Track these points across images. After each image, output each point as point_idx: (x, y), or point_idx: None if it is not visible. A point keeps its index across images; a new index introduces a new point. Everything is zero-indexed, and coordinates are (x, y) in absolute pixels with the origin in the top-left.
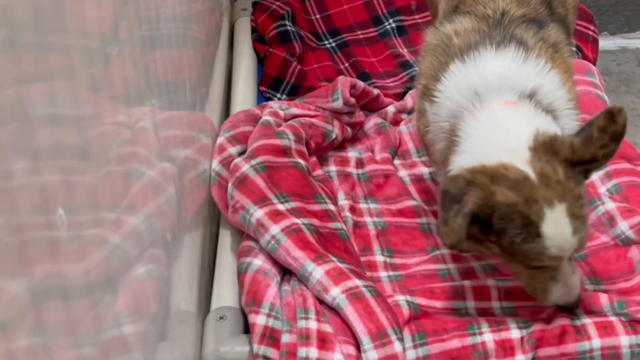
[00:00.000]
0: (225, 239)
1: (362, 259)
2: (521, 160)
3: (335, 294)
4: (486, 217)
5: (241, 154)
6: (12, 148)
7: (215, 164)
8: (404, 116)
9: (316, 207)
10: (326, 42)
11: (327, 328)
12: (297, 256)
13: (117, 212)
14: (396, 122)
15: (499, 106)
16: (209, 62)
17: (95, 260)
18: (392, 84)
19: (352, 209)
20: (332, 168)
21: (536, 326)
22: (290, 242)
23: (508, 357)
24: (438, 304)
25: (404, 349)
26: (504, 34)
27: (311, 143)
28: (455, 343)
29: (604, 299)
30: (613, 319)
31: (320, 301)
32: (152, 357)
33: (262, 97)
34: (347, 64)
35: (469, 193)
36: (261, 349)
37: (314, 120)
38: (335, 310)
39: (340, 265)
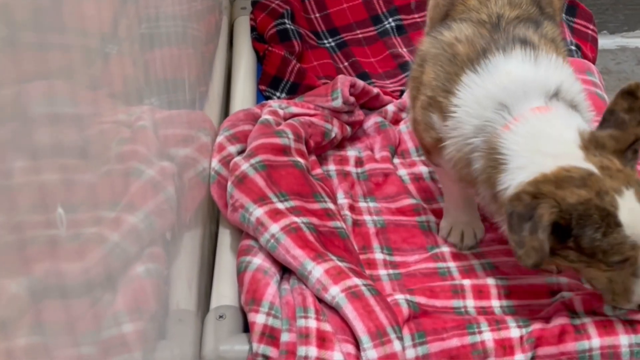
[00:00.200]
0: (225, 237)
1: (362, 257)
2: (578, 160)
3: (335, 292)
4: (565, 223)
5: (240, 152)
6: (11, 147)
7: (215, 163)
8: (403, 115)
9: (316, 206)
10: (325, 41)
11: (327, 327)
12: (296, 255)
13: (116, 210)
14: (396, 121)
15: (532, 114)
16: (209, 61)
17: (94, 259)
18: (391, 85)
19: (352, 208)
20: (332, 167)
21: (536, 325)
22: (290, 241)
23: (507, 356)
24: (438, 302)
25: (404, 348)
26: (506, 37)
27: (310, 142)
28: (454, 342)
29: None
30: (613, 318)
31: (320, 300)
32: (152, 356)
33: (262, 96)
34: (346, 64)
35: (540, 206)
36: (260, 348)
37: (313, 119)
38: (334, 309)
39: (339, 264)
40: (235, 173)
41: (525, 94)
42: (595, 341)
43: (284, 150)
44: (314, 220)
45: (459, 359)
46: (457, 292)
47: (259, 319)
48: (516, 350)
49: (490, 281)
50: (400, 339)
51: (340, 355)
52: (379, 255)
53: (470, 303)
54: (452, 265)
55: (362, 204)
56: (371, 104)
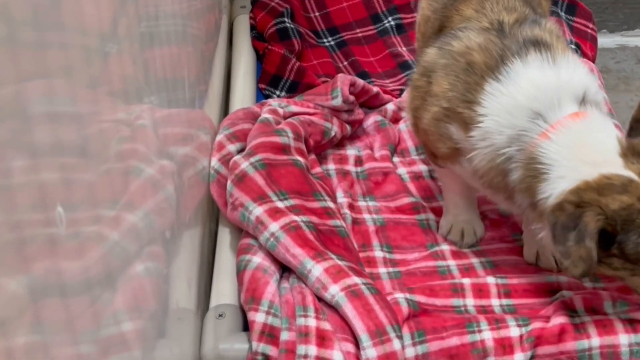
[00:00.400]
0: (225, 236)
1: (362, 254)
2: (618, 167)
3: (334, 291)
4: (612, 229)
5: (240, 151)
6: (10, 145)
7: (215, 162)
8: (403, 114)
9: (315, 205)
10: (325, 40)
11: (326, 326)
12: (296, 253)
13: (116, 209)
14: (396, 120)
15: (570, 121)
16: (208, 60)
17: (94, 258)
18: (390, 84)
19: (351, 207)
20: (331, 166)
21: (535, 324)
22: (290, 240)
23: (507, 355)
24: (437, 301)
25: (403, 347)
26: (516, 41)
27: (310, 141)
28: (454, 341)
29: (605, 297)
30: (612, 317)
31: (320, 299)
32: (151, 355)
33: (261, 95)
34: (345, 63)
35: (585, 214)
36: (260, 347)
37: (313, 118)
38: (334, 308)
39: (339, 262)
40: (235, 172)
41: (558, 100)
42: (595, 340)
43: (283, 149)
44: (314, 219)
45: (458, 358)
46: (457, 290)
47: (258, 317)
48: (516, 349)
49: (490, 280)
50: (400, 337)
51: (340, 354)
52: (378, 253)
53: (470, 302)
54: (452, 263)
55: (361, 203)
56: (371, 103)
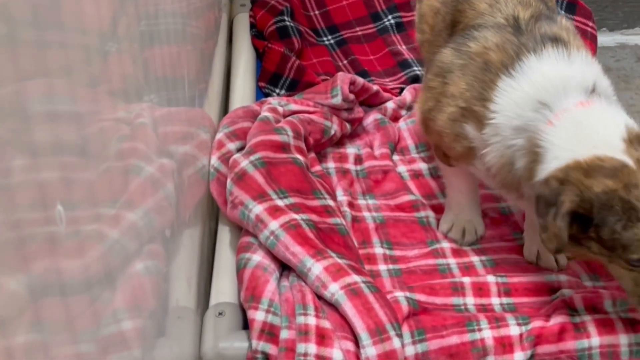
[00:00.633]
0: (224, 234)
1: (362, 251)
2: (617, 152)
3: (334, 289)
4: (586, 212)
5: (240, 149)
6: (10, 144)
7: (214, 160)
8: (403, 112)
9: (315, 203)
10: (325, 38)
11: (326, 324)
12: (296, 252)
13: (115, 207)
14: (396, 118)
15: (575, 108)
16: (208, 58)
17: (93, 256)
18: (390, 83)
19: (351, 205)
20: (331, 165)
21: (535, 323)
22: (289, 238)
23: (507, 354)
24: (437, 300)
25: (403, 345)
26: (533, 38)
27: (310, 139)
28: (454, 339)
29: (606, 296)
30: (613, 316)
31: (319, 297)
32: (151, 353)
33: (261, 93)
34: (345, 62)
35: (564, 192)
36: (260, 345)
37: (312, 116)
38: (334, 306)
39: (339, 261)
40: (235, 170)
41: (565, 90)
42: (595, 340)
43: (283, 147)
44: (314, 217)
45: (458, 357)
46: (457, 289)
47: (258, 316)
48: (515, 348)
49: (490, 279)
50: (400, 336)
51: (340, 353)
52: (378, 250)
53: (470, 300)
54: (452, 262)
55: (361, 201)
56: (371, 101)
